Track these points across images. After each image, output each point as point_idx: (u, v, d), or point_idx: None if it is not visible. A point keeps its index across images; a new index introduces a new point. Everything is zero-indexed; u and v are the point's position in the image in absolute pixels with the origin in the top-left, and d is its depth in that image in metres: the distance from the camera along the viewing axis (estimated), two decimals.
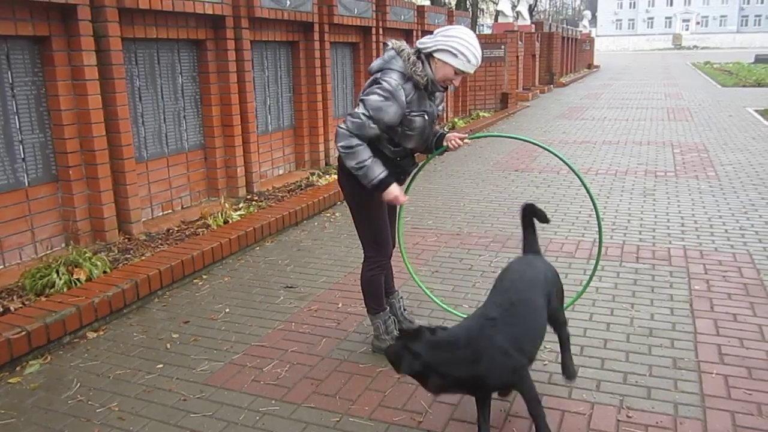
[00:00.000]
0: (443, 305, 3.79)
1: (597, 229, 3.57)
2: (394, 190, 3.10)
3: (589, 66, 34.74)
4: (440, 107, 3.30)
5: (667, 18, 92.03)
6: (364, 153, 3.01)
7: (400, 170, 3.26)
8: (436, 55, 3.06)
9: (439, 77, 3.10)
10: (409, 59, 3.05)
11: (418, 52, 3.10)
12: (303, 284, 4.52)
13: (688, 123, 12.62)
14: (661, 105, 16.17)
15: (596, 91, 21.23)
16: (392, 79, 3.01)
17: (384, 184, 3.06)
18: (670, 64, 40.15)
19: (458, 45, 3.02)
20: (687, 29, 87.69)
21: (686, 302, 4.02)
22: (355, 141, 3.00)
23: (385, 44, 3.21)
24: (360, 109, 3.01)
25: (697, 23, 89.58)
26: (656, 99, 17.85)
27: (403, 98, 3.02)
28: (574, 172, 3.33)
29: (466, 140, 3.31)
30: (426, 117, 3.18)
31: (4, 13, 4.33)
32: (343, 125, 3.04)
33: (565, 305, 3.34)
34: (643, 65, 39.22)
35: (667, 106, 15.94)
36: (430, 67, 3.09)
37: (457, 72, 3.09)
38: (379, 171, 3.05)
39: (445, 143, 3.32)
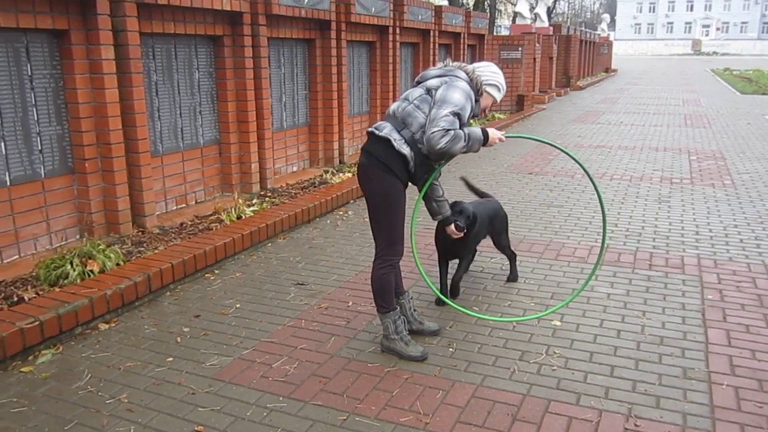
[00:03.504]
0: (452, 303, 3.80)
1: (611, 235, 3.57)
2: (495, 132, 3.35)
3: (607, 70, 34.55)
4: None
5: (687, 23, 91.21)
6: (460, 132, 3.16)
7: (426, 168, 3.36)
8: (486, 88, 3.41)
9: (482, 106, 3.46)
10: (474, 72, 3.36)
11: None
12: (314, 282, 4.53)
13: (706, 130, 12.52)
14: (679, 111, 16.05)
15: (613, 95, 21.10)
16: (466, 84, 3.28)
17: (486, 133, 3.28)
18: (689, 69, 39.84)
19: (502, 80, 3.47)
20: (707, 35, 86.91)
21: (698, 311, 3.99)
22: (451, 132, 3.11)
23: (444, 64, 3.44)
24: (444, 110, 3.13)
25: (718, 29, 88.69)
26: (674, 105, 17.72)
27: (474, 102, 3.32)
28: (587, 174, 3.46)
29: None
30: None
31: (24, 6, 4.37)
32: (435, 129, 3.10)
33: (563, 303, 3.72)
34: (661, 70, 38.95)
35: (685, 112, 15.82)
36: None
37: (494, 103, 3.50)
38: (477, 130, 3.26)
39: None
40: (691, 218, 6.12)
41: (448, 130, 3.10)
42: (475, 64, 3.47)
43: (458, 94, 3.19)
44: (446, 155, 3.24)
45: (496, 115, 13.87)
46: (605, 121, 13.96)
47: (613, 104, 17.89)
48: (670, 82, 27.73)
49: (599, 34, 32.79)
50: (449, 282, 4.14)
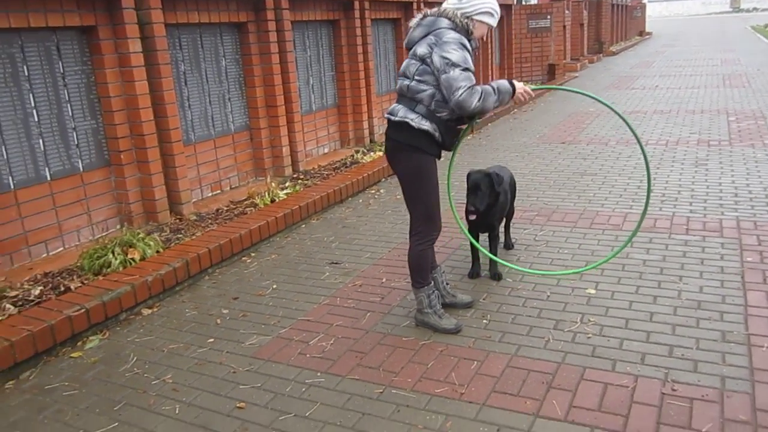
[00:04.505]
0: (498, 258, 3.94)
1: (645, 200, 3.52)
2: (520, 84, 3.30)
3: (641, 33, 33.66)
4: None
5: None
6: (488, 87, 3.11)
7: (454, 133, 3.33)
8: (476, 17, 3.25)
9: (477, 36, 3.32)
10: (455, 14, 3.20)
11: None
12: (348, 260, 4.59)
13: (745, 89, 12.13)
14: (717, 71, 15.58)
15: (648, 59, 20.58)
16: (453, 32, 3.16)
17: (513, 84, 3.24)
18: (728, 28, 38.52)
19: (494, 5, 3.31)
20: None
21: (737, 275, 3.92)
22: (478, 89, 3.06)
23: (421, 16, 3.31)
24: (454, 72, 3.05)
25: None
26: (711, 65, 17.21)
27: (469, 43, 3.21)
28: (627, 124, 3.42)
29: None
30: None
31: (52, 5, 4.48)
32: (459, 91, 3.03)
33: (597, 263, 3.80)
34: (698, 30, 37.77)
35: (723, 72, 15.35)
36: None
37: (489, 29, 3.36)
38: (504, 81, 3.22)
39: None
40: (730, 180, 5.98)
41: (473, 87, 3.04)
42: None
43: (454, 50, 3.08)
44: (481, 113, 3.18)
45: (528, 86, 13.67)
46: (640, 86, 13.65)
47: (648, 68, 17.45)
48: (707, 42, 26.89)
49: None
50: (489, 269, 4.14)
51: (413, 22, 3.32)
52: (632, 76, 15.62)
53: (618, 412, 2.65)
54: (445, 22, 3.19)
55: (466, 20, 3.21)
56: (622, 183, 6.12)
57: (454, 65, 3.06)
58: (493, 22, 3.33)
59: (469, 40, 3.24)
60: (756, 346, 3.09)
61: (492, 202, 3.91)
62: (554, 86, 4.11)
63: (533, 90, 3.39)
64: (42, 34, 4.56)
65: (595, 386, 2.85)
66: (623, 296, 3.72)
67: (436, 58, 3.11)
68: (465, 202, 3.92)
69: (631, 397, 2.75)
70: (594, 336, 3.29)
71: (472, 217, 3.84)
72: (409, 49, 3.33)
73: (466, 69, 3.07)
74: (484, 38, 3.44)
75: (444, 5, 3.26)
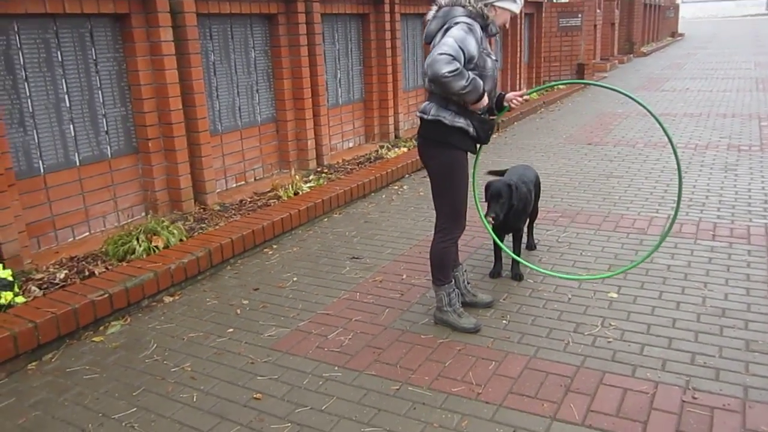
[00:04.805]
0: (521, 259, 3.92)
1: (673, 205, 3.46)
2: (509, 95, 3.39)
3: (673, 34, 33.15)
4: (496, 59, 3.34)
5: None
6: (466, 72, 3.01)
7: (488, 126, 3.31)
8: (498, 4, 3.21)
9: (499, 23, 3.28)
10: (469, 1, 3.16)
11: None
12: (369, 255, 4.60)
13: None
14: (750, 75, 15.28)
15: (679, 60, 20.26)
16: (465, 18, 3.12)
17: (485, 91, 3.19)
18: (763, 30, 37.74)
19: None
20: None
21: (764, 282, 3.85)
22: (457, 63, 2.97)
23: (436, 8, 3.27)
24: (448, 42, 2.98)
25: None
26: (744, 69, 16.88)
27: (479, 33, 3.14)
28: (657, 121, 3.28)
29: (525, 97, 3.44)
30: (493, 58, 3.27)
31: None
32: (439, 53, 2.94)
33: (623, 269, 3.80)
34: (732, 33, 37.07)
35: (756, 76, 15.05)
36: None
37: (512, 16, 3.33)
38: (480, 81, 3.11)
39: (505, 104, 3.44)
40: (760, 187, 5.87)
41: (455, 58, 2.94)
42: None
43: (458, 31, 3.02)
44: (445, 88, 3.03)
45: (556, 86, 13.55)
46: (670, 88, 13.44)
47: (679, 70, 17.18)
48: (741, 45, 26.38)
49: None
50: (510, 270, 4.14)
51: (429, 14, 3.29)
52: (662, 78, 15.39)
53: (636, 418, 2.62)
54: (459, 11, 3.15)
55: (483, 6, 3.15)
56: (648, 186, 6.04)
57: (448, 43, 2.97)
58: (516, 8, 3.27)
59: (487, 26, 3.19)
60: None
61: (509, 211, 3.88)
62: (592, 82, 4.02)
63: (569, 84, 3.38)
64: (76, 21, 4.62)
65: (614, 391, 2.82)
66: (646, 301, 3.68)
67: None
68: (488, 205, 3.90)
69: (651, 403, 2.72)
70: (614, 340, 3.25)
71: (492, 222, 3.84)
72: (428, 43, 3.29)
73: (460, 49, 2.97)
74: (506, 25, 3.38)
75: None
